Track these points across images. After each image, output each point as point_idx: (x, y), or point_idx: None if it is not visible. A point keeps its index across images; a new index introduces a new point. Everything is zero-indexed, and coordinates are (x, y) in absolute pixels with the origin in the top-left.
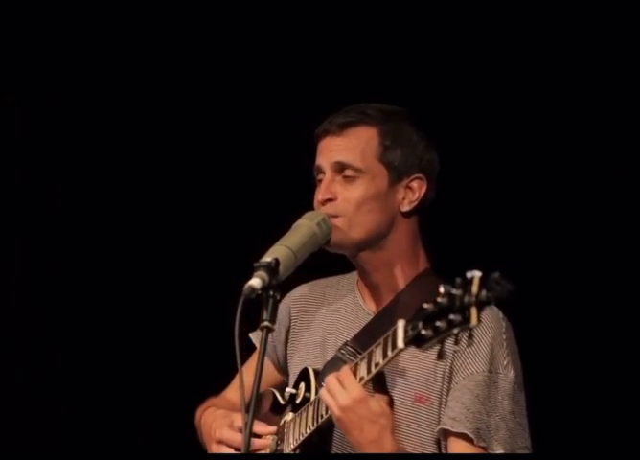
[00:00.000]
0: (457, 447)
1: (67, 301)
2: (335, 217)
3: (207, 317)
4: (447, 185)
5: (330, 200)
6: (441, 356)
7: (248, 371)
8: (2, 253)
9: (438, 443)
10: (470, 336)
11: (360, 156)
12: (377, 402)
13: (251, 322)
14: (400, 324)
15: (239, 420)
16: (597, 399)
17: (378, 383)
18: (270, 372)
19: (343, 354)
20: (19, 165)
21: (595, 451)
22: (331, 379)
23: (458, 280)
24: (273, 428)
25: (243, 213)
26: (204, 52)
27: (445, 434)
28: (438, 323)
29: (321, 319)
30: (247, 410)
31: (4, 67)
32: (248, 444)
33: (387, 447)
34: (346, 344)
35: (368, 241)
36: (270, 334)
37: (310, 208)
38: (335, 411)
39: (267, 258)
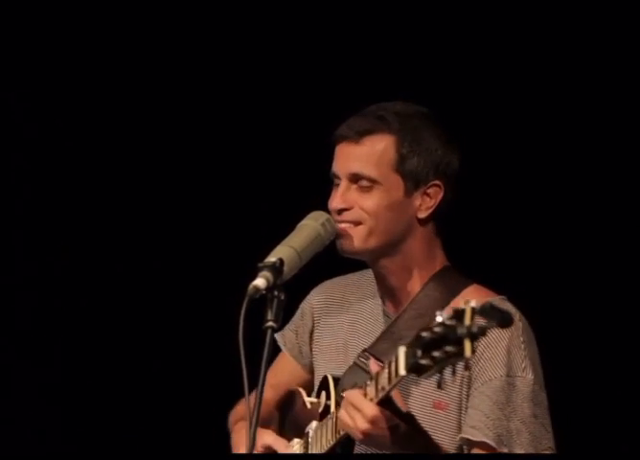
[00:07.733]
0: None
1: (70, 303)
2: (353, 225)
3: (212, 317)
4: (474, 184)
5: (345, 210)
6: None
7: (273, 372)
8: (2, 252)
9: (459, 450)
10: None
11: (376, 167)
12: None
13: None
14: (402, 350)
15: (263, 437)
16: (615, 398)
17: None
18: (297, 373)
19: (362, 361)
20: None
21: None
22: (345, 407)
23: (454, 310)
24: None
25: (248, 213)
26: (209, 49)
27: (469, 443)
28: (435, 353)
29: (342, 322)
30: (252, 415)
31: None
32: (252, 443)
33: (418, 439)
34: (364, 351)
35: (384, 248)
36: (296, 335)
37: (315, 208)
38: (359, 436)
39: (272, 258)
